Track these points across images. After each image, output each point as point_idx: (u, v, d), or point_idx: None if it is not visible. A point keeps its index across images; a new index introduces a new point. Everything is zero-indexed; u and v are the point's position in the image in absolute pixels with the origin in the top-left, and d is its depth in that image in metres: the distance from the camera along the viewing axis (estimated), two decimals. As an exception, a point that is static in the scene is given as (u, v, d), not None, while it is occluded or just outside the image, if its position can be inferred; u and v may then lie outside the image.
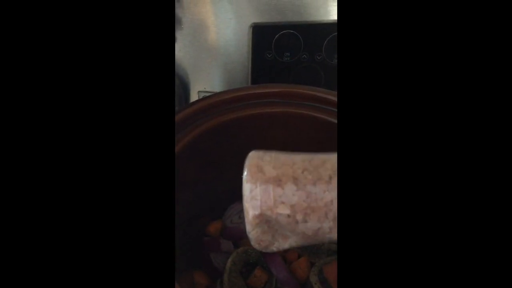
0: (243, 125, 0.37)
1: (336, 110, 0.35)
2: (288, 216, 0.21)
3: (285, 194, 0.21)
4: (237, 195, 0.47)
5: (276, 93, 0.35)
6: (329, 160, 0.22)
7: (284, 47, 0.53)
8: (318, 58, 0.54)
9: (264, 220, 0.23)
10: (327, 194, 0.21)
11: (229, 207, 0.46)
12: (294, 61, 0.54)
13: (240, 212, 0.46)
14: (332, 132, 0.38)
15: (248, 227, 0.24)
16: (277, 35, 0.52)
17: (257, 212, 0.22)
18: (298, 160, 0.23)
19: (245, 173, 0.23)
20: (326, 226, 0.21)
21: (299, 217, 0.21)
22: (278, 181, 0.22)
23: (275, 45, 0.53)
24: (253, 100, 0.35)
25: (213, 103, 0.36)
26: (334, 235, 0.22)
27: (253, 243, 0.25)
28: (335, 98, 0.35)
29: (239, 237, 0.42)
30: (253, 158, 0.23)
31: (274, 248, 0.25)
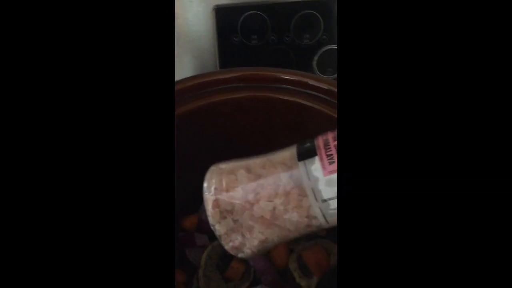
0: (208, 113, 0.35)
1: (306, 91, 0.34)
2: (241, 199, 0.22)
3: (238, 179, 0.22)
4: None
5: (240, 77, 0.34)
6: (284, 153, 0.23)
7: (250, 30, 0.51)
8: (287, 39, 0.52)
9: (223, 209, 0.22)
10: (276, 173, 0.21)
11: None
12: (262, 44, 0.52)
13: (216, 203, 0.45)
14: (303, 114, 0.36)
15: (211, 220, 0.23)
16: (242, 17, 0.50)
17: (213, 198, 0.22)
18: (254, 159, 0.24)
19: (205, 184, 0.24)
20: (279, 203, 0.21)
21: (250, 196, 0.21)
22: (231, 171, 0.23)
23: (241, 28, 0.51)
24: (217, 87, 0.34)
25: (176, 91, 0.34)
26: (292, 215, 0.21)
27: (226, 247, 0.24)
28: (305, 79, 0.34)
29: (216, 229, 0.41)
30: (211, 169, 0.24)
31: (247, 249, 0.24)
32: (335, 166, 0.20)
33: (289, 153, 0.22)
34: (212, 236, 0.41)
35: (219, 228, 0.23)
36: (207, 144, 0.38)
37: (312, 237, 0.39)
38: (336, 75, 0.55)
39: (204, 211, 0.44)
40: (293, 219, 0.21)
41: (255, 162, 0.23)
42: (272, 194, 0.21)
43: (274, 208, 0.21)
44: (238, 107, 0.34)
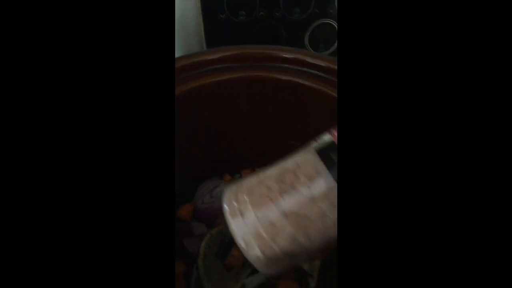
0: (200, 96, 0.33)
1: (303, 69, 0.32)
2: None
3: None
4: (206, 174, 0.45)
5: (231, 56, 0.31)
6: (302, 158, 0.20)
7: (238, 5, 0.48)
8: (277, 14, 0.49)
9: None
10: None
11: (199, 187, 0.43)
12: (250, 20, 0.49)
13: (211, 190, 0.43)
14: (300, 93, 0.35)
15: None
16: (228, -8, 0.47)
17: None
18: (271, 183, 0.20)
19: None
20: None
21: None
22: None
23: (227, 4, 0.48)
24: (205, 68, 0.31)
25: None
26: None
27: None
28: (303, 57, 0.32)
29: (213, 217, 0.40)
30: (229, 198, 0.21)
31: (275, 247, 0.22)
32: None
33: (309, 159, 0.20)
34: (209, 224, 0.40)
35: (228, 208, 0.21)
36: (200, 128, 0.37)
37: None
38: (329, 51, 0.53)
39: (199, 198, 0.43)
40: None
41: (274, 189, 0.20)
42: (291, 178, 0.20)
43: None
44: (231, 89, 0.32)
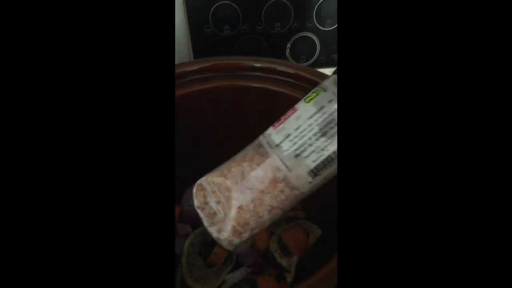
0: (185, 103, 0.35)
1: (276, 77, 0.35)
2: (218, 175, 0.25)
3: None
4: (193, 178, 0.47)
5: (210, 67, 0.34)
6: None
7: (222, 20, 0.51)
8: (259, 28, 0.53)
9: (206, 193, 0.26)
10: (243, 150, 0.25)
11: (185, 191, 0.45)
12: (234, 33, 0.52)
13: (197, 194, 0.45)
14: (275, 100, 0.37)
15: (196, 203, 0.26)
16: (212, 8, 0.50)
17: (197, 182, 0.26)
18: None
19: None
20: (246, 165, 0.24)
21: (225, 171, 0.25)
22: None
23: (212, 19, 0.51)
24: (186, 78, 0.34)
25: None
26: (257, 172, 0.24)
27: (209, 229, 0.26)
28: (273, 66, 0.34)
29: (198, 219, 0.42)
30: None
31: (228, 225, 0.25)
32: (281, 121, 0.24)
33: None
34: (194, 225, 0.42)
35: (202, 212, 0.25)
36: (185, 136, 0.39)
37: (291, 219, 0.41)
38: (309, 62, 0.56)
39: (186, 201, 0.45)
40: (259, 175, 0.23)
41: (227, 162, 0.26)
42: (239, 160, 0.24)
43: (243, 172, 0.23)
44: (211, 97, 0.35)
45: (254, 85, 0.35)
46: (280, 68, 0.32)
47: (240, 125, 0.38)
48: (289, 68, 0.32)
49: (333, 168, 0.22)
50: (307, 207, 0.42)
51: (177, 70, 0.33)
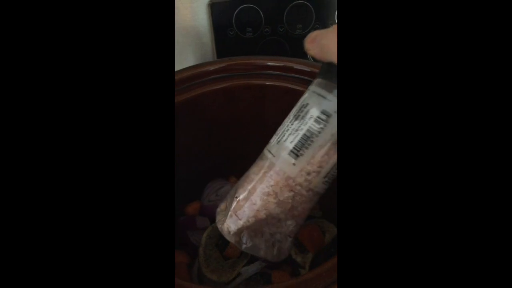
0: (202, 103, 0.37)
1: (292, 75, 0.35)
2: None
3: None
4: (214, 173, 0.48)
5: (227, 67, 0.35)
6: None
7: (245, 23, 0.53)
8: (281, 30, 0.54)
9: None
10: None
11: (206, 186, 0.47)
12: (256, 36, 0.54)
13: (217, 190, 0.47)
14: (292, 98, 0.38)
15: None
16: (236, 11, 0.52)
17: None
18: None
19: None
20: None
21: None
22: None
23: (235, 22, 0.53)
24: (206, 77, 0.36)
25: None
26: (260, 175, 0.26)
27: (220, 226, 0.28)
28: (290, 64, 0.35)
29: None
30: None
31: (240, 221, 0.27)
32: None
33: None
34: (212, 219, 0.44)
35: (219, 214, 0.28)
36: (204, 133, 0.41)
37: (308, 217, 0.41)
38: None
39: (206, 196, 0.46)
40: (254, 170, 0.26)
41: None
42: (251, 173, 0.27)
43: (248, 176, 0.27)
44: (230, 95, 0.36)
45: (270, 83, 0.36)
46: (297, 66, 0.33)
47: (257, 123, 0.39)
48: (305, 66, 0.33)
49: (314, 149, 0.23)
50: (324, 208, 0.42)
51: (194, 71, 0.35)
